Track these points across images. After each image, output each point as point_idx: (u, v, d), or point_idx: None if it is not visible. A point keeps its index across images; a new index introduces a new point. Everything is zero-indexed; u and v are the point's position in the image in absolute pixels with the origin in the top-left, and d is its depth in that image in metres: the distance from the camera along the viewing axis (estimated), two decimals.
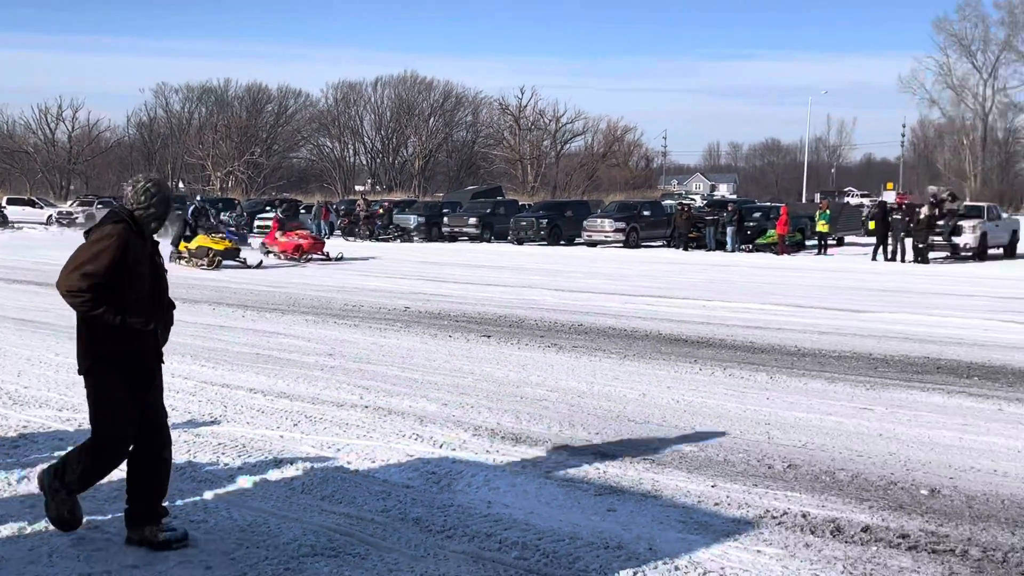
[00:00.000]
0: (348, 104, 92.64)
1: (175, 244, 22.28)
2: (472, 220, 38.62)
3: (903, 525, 4.88)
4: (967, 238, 26.93)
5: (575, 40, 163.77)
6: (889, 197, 48.67)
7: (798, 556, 4.45)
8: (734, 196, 75.92)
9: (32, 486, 5.28)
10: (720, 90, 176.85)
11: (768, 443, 6.56)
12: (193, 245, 22.23)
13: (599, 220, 35.32)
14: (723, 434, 6.79)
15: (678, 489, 5.47)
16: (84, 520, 4.60)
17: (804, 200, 63.60)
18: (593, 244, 34.64)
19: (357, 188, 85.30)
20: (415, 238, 39.19)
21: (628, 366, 9.57)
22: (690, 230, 32.54)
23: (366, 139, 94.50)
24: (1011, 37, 70.87)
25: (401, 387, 8.32)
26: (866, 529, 4.80)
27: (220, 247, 22.13)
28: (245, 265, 22.30)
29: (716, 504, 5.21)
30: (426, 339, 11.24)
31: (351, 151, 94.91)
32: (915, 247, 26.19)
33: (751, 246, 31.06)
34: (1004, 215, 33.47)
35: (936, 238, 26.68)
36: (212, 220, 25.45)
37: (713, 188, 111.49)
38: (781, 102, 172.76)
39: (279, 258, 24.95)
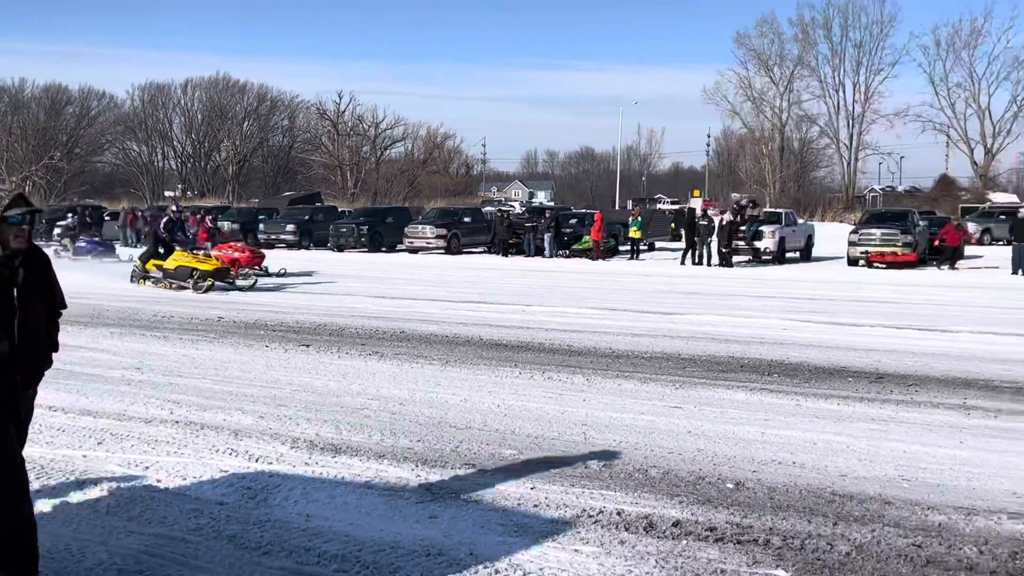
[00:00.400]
0: (156, 106, 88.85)
1: (143, 261, 19.47)
2: (290, 227, 37.80)
3: (711, 518, 5.11)
4: (767, 243, 28.55)
5: (394, 46, 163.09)
6: (696, 204, 50.93)
7: (613, 553, 4.58)
8: (551, 203, 77.58)
9: None
10: (537, 99, 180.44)
11: (584, 443, 6.73)
12: (171, 264, 18.75)
13: (420, 227, 35.31)
14: (542, 436, 6.92)
15: (499, 493, 5.53)
16: None
17: (617, 207, 65.80)
18: (414, 251, 34.60)
19: (167, 194, 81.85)
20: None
21: (450, 372, 9.61)
22: (510, 236, 33.02)
23: (176, 143, 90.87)
24: (804, 54, 75.51)
25: (215, 400, 8.04)
26: (676, 524, 5.00)
27: (207, 266, 18.52)
28: (234, 287, 18.85)
29: (535, 506, 5.30)
30: (241, 350, 10.92)
31: (160, 155, 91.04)
32: (719, 251, 27.54)
33: (568, 252, 31.81)
34: (800, 221, 35.72)
35: (739, 243, 28.17)
36: (186, 234, 21.59)
37: (531, 195, 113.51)
38: (595, 112, 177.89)
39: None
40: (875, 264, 26.76)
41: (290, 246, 37.19)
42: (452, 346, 11.35)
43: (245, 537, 4.73)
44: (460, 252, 34.15)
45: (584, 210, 43.58)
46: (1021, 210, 28.63)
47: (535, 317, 14.46)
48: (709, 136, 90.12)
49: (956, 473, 6.06)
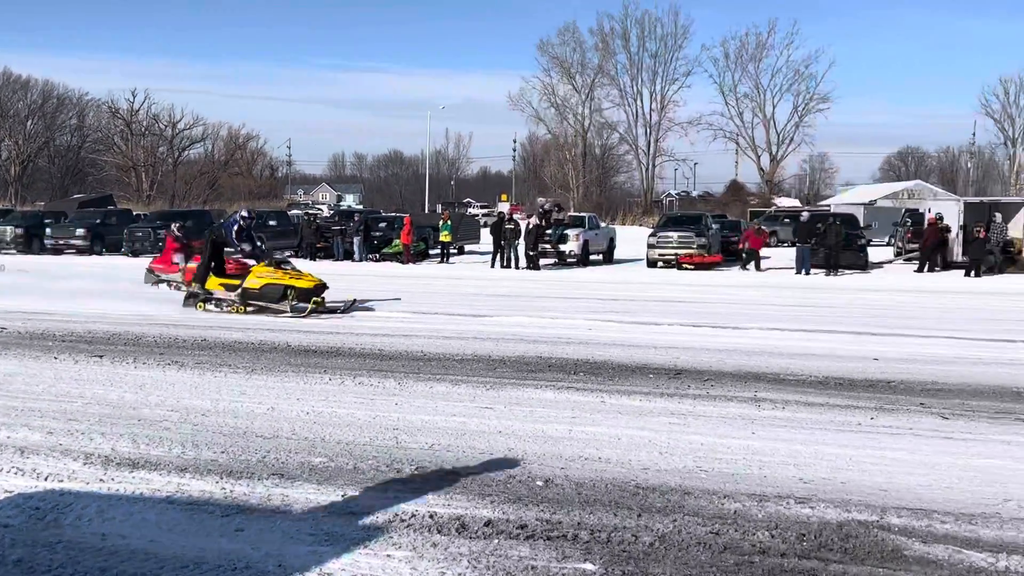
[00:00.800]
0: None
1: (199, 279, 15.89)
2: (80, 231, 35.70)
3: (521, 516, 5.18)
4: (572, 246, 29.34)
5: (193, 44, 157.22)
6: (503, 208, 51.75)
7: (426, 556, 4.57)
8: (360, 206, 76.90)
9: None
10: (344, 101, 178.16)
11: (397, 447, 6.69)
12: (255, 281, 15.35)
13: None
14: (353, 443, 6.82)
15: (308, 501, 5.41)
16: None
17: (427, 210, 65.93)
18: None
19: None
20: (12, 251, 35.53)
21: (256, 380, 9.33)
22: (317, 240, 32.46)
23: None
24: (604, 62, 78.25)
25: None
26: (488, 523, 5.04)
27: (304, 283, 15.32)
28: (325, 310, 15.36)
29: (347, 513, 5.22)
30: (27, 362, 10.21)
31: None
32: (526, 255, 28.09)
33: (378, 255, 31.59)
34: (603, 224, 36.91)
35: (545, 246, 28.83)
36: (258, 245, 17.10)
37: (340, 198, 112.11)
38: (403, 115, 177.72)
39: (180, 289, 17.63)
40: (684, 265, 27.89)
41: (80, 251, 35.15)
42: (258, 353, 11.03)
43: (33, 561, 4.42)
44: None
45: (394, 213, 43.40)
46: (803, 214, 30.63)
47: (345, 322, 14.26)
48: (515, 141, 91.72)
49: (749, 462, 6.41)
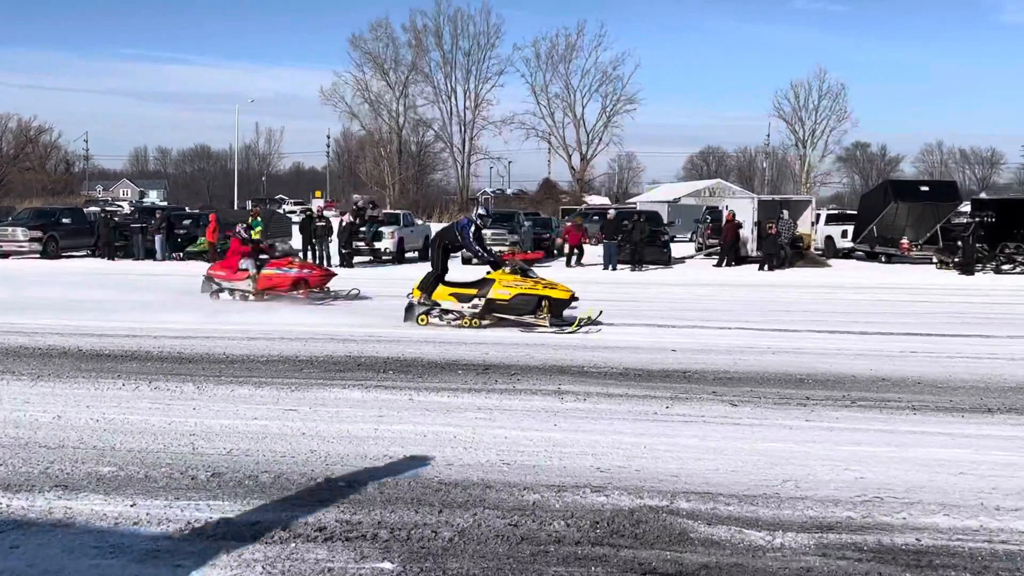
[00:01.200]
0: None
1: (427, 289, 13.85)
2: None
3: (320, 518, 5.10)
4: (387, 243, 29.17)
5: None
6: (314, 205, 50.84)
7: (218, 564, 4.43)
8: (164, 203, 73.76)
9: None
10: (147, 94, 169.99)
11: (193, 454, 6.45)
12: (503, 292, 13.53)
13: (10, 229, 31.95)
14: (146, 450, 6.54)
15: (94, 513, 5.14)
16: None
17: (236, 207, 63.98)
18: (5, 255, 31.27)
19: None
20: None
21: (42, 387, 8.78)
22: (116, 238, 30.90)
23: None
24: (418, 59, 78.25)
25: None
26: (285, 527, 4.94)
27: (562, 294, 13.62)
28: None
29: (135, 523, 4.99)
30: None
31: None
32: (340, 252, 27.71)
33: (182, 254, 30.38)
34: (419, 222, 36.95)
35: (359, 243, 28.53)
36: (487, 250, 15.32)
37: (142, 194, 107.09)
38: (210, 108, 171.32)
39: (255, 298, 16.73)
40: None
41: None
42: (46, 359, 10.38)
43: None
44: (59, 256, 31.36)
45: (199, 210, 41.85)
46: (610, 211, 31.65)
47: (143, 325, 13.61)
48: (329, 137, 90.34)
49: (550, 454, 6.56)
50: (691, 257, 32.98)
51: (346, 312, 15.42)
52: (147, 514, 5.14)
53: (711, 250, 32.31)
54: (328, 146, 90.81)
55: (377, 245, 28.99)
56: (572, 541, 4.82)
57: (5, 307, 15.35)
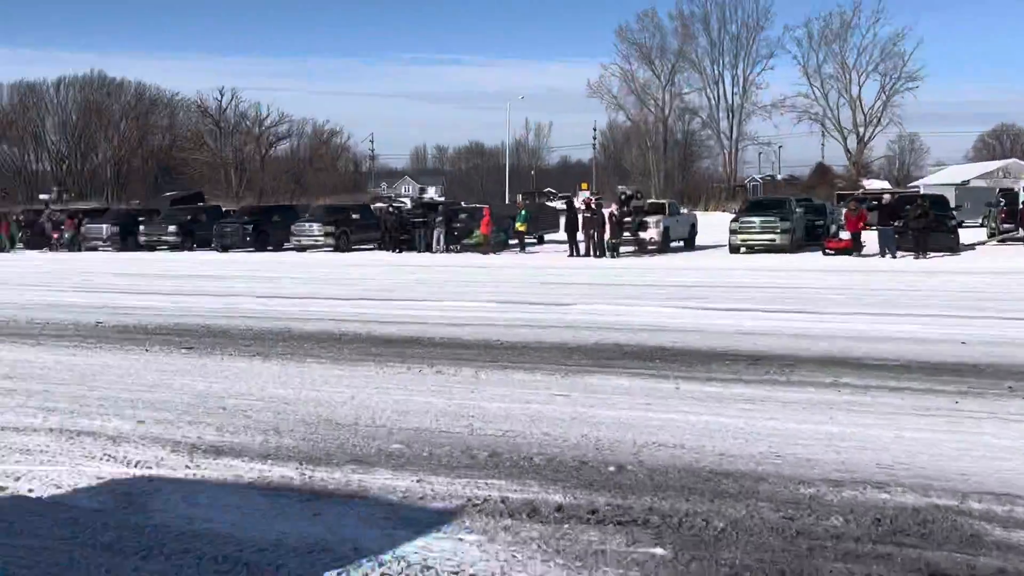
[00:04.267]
0: (27, 107, 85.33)
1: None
2: (171, 228, 36.88)
3: (592, 501, 5.22)
4: (652, 233, 29.12)
5: (277, 41, 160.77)
6: (580, 198, 51.59)
7: (497, 540, 4.64)
8: (442, 198, 77.51)
9: None
10: (426, 94, 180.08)
11: (471, 435, 6.78)
12: None
13: (308, 224, 34.84)
14: (429, 429, 6.94)
15: (384, 487, 5.53)
16: None
17: (507, 201, 66.14)
18: (303, 249, 34.13)
19: (41, 196, 78.70)
20: (109, 248, 36.86)
21: (338, 370, 9.53)
22: (400, 232, 32.87)
23: (49, 144, 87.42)
24: (684, 47, 77.34)
25: (91, 407, 7.80)
26: (559, 508, 5.09)
27: None
28: None
29: (421, 498, 5.32)
30: (120, 355, 10.61)
31: (33, 157, 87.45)
32: (607, 243, 27.98)
33: (459, 246, 31.84)
34: (684, 211, 36.60)
35: (625, 234, 28.67)
36: None
37: (422, 191, 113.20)
38: (484, 106, 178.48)
39: None
40: (828, 251, 26.89)
41: (172, 247, 36.26)
42: (340, 344, 11.26)
43: (122, 543, 4.62)
44: (349, 249, 33.83)
45: (474, 205, 43.69)
46: (885, 196, 29.87)
47: (426, 312, 14.45)
48: (595, 130, 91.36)
49: (826, 448, 6.32)
50: (982, 243, 30.48)
51: (609, 300, 15.60)
52: (431, 490, 5.46)
53: (1005, 235, 29.73)
54: (594, 138, 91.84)
55: (642, 235, 28.98)
56: (852, 538, 4.64)
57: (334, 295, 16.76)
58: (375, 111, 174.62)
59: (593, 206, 30.02)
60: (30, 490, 5.52)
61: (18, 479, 5.74)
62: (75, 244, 37.85)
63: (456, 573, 4.26)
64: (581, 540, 4.63)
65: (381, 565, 4.33)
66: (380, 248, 33.77)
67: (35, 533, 4.80)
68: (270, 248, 35.17)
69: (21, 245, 39.62)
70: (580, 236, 28.74)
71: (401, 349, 10.77)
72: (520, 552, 4.49)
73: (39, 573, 4.25)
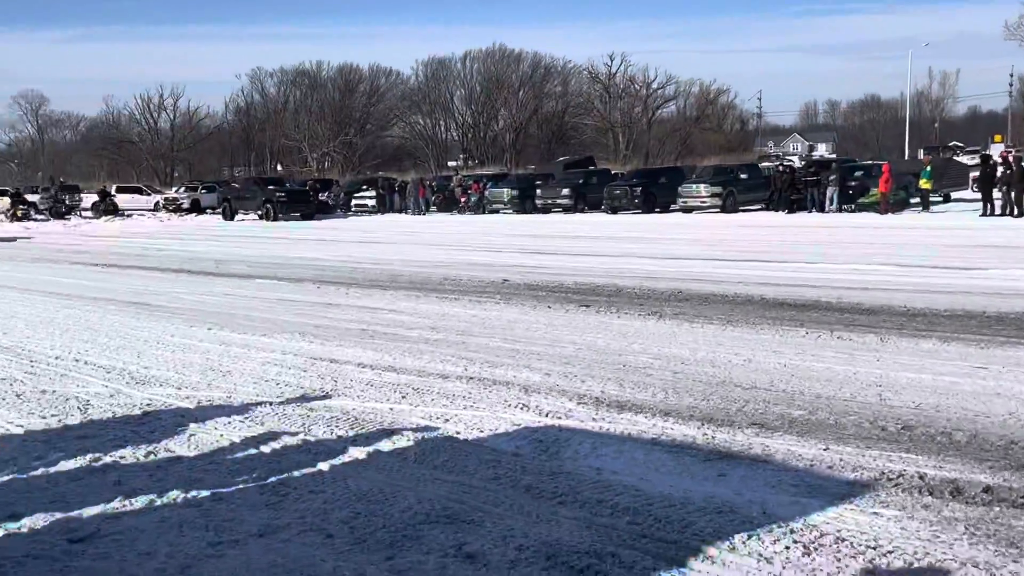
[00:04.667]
0: (438, 80, 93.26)
1: None
2: (565, 191, 38.60)
3: None
4: None
5: (663, 3, 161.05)
6: (994, 151, 46.68)
7: (916, 517, 4.36)
8: (833, 156, 73.88)
9: (158, 458, 5.55)
10: (816, 48, 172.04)
11: (880, 405, 6.42)
12: None
13: (694, 185, 34.87)
14: (833, 397, 6.67)
15: (789, 453, 5.41)
16: (209, 493, 4.83)
17: (907, 157, 61.60)
18: (689, 210, 34.25)
19: (450, 164, 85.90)
20: (509, 211, 39.38)
21: (731, 332, 9.46)
22: (791, 192, 31.87)
23: (457, 115, 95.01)
24: None
25: (504, 358, 8.40)
26: (987, 490, 4.68)
27: None
28: None
29: (829, 468, 5.13)
30: (526, 310, 11.31)
31: (443, 127, 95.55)
32: (1017, 200, 25.14)
33: (854, 206, 30.25)
34: None
35: None
36: None
37: (811, 148, 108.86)
38: (880, 57, 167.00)
39: None
40: None
41: (565, 210, 37.98)
42: (732, 306, 11.16)
43: (540, 487, 4.93)
44: (736, 210, 33.41)
45: (871, 161, 41.16)
46: None
47: (821, 275, 13.90)
48: (1012, 76, 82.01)
49: None
50: None
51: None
52: (840, 460, 5.25)
53: None
54: (1011, 85, 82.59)
55: None
56: None
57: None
58: (763, 67, 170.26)
59: (1011, 159, 27.06)
60: (456, 432, 6.06)
61: (447, 421, 6.33)
62: (480, 207, 40.89)
63: (873, 547, 4.06)
64: (1015, 527, 4.22)
65: (792, 532, 4.24)
66: (767, 208, 32.99)
67: (464, 470, 5.26)
68: (657, 210, 35.65)
69: (435, 208, 43.54)
70: (996, 193, 26.08)
71: (796, 313, 10.45)
72: (944, 533, 4.18)
73: (469, 508, 4.66)
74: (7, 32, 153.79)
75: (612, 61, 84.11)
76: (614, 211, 35.74)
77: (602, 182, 39.15)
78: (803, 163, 47.79)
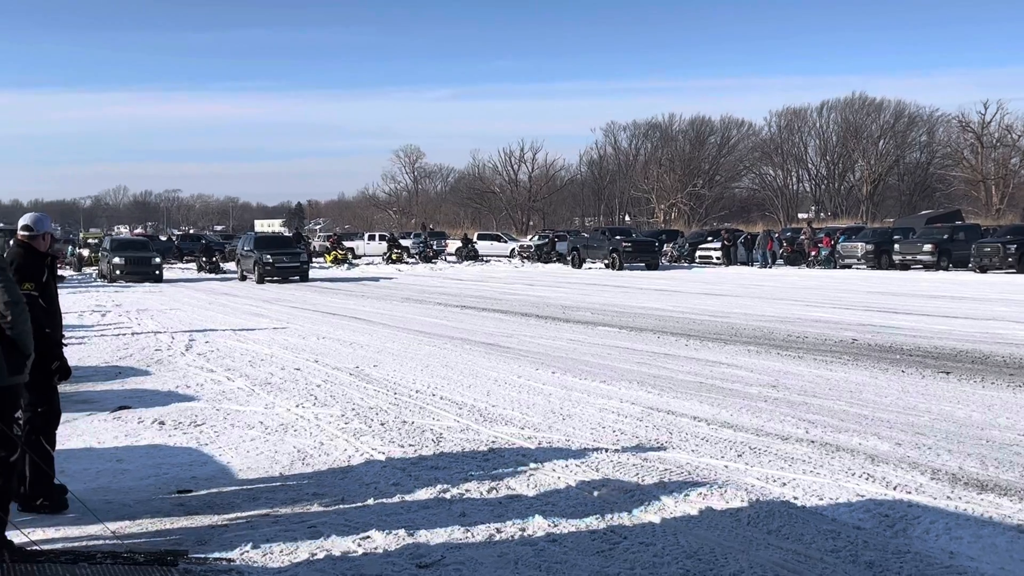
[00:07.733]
0: (792, 131, 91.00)
1: None
2: (927, 247, 36.05)
3: None
4: None
5: None
6: None
7: None
8: None
9: (499, 495, 5.83)
10: None
11: None
12: None
13: None
14: None
15: None
16: (544, 533, 5.01)
17: None
18: None
19: (800, 216, 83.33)
20: (863, 266, 37.54)
21: None
22: None
23: (810, 165, 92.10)
24: None
25: (849, 423, 7.96)
26: None
27: None
28: None
29: None
30: (876, 373, 10.65)
31: (794, 178, 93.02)
32: None
33: None
34: None
35: None
36: None
37: None
38: None
39: None
40: None
41: (926, 267, 35.51)
42: None
43: (883, 565, 4.60)
44: None
45: None
46: None
47: None
48: None
49: None
50: None
51: None
52: None
53: None
54: None
55: None
56: None
57: None
58: None
59: None
60: (794, 497, 5.82)
61: (784, 484, 6.10)
62: (831, 261, 39.25)
63: None
64: None
65: None
66: None
67: (800, 539, 5.04)
68: None
69: (782, 261, 42.43)
70: None
71: None
72: None
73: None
74: (395, 92, 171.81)
75: (987, 109, 77.61)
76: (983, 270, 32.79)
77: (970, 238, 36.06)
78: None
